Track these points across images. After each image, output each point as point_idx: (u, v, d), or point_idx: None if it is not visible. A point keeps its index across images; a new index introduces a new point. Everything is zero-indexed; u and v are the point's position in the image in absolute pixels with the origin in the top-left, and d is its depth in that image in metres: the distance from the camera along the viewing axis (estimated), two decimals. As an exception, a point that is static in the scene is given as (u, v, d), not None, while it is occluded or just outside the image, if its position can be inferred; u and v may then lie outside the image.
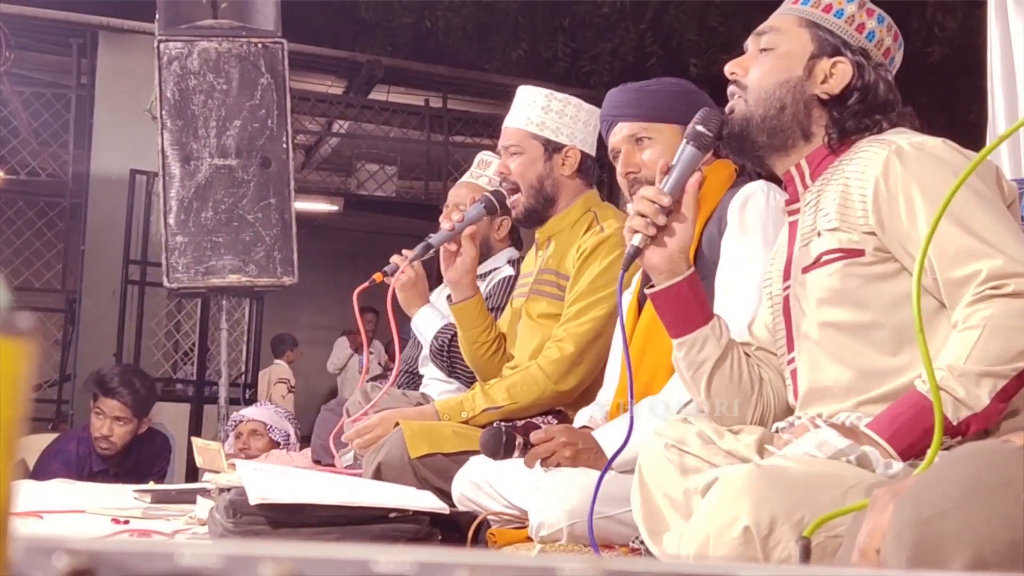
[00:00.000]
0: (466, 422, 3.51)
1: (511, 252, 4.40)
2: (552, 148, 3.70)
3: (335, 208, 12.09)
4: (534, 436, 2.91)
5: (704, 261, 2.82)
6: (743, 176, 3.06)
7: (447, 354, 4.04)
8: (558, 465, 2.87)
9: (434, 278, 4.36)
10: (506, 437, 2.87)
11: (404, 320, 4.22)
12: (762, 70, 2.39)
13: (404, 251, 4.06)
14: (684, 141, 2.40)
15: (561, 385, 3.51)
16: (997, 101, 4.67)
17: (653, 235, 2.35)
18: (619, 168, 3.14)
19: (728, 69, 2.45)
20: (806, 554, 1.57)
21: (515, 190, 3.73)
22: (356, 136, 10.95)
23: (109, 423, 5.51)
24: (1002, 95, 4.65)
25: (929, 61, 9.01)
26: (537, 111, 3.72)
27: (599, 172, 3.96)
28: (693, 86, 3.25)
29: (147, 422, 5.75)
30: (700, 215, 2.95)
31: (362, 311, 3.99)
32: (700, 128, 2.40)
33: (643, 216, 2.35)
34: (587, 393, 3.51)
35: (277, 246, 5.72)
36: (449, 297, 3.82)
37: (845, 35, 2.37)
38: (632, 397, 2.42)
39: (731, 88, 2.44)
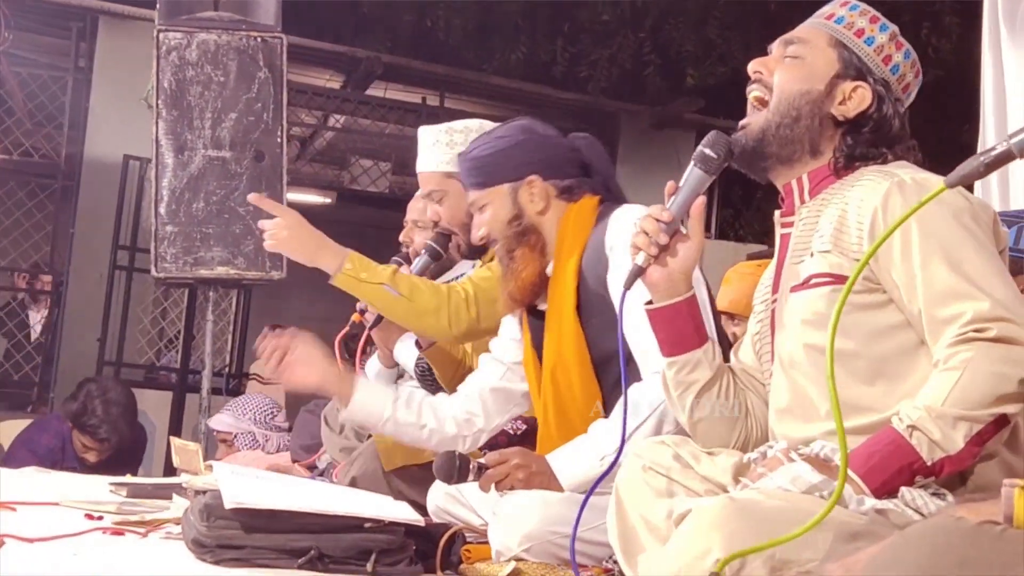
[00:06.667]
0: (361, 283, 3.46)
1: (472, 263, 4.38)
2: None
3: (328, 201, 12.07)
4: (488, 458, 2.92)
5: (589, 296, 2.89)
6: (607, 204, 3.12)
7: (431, 377, 4.06)
8: (512, 488, 2.88)
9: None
10: (459, 461, 2.89)
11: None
12: (787, 76, 2.41)
13: None
14: (692, 164, 2.41)
15: (455, 322, 3.45)
16: (988, 125, 4.70)
17: (656, 254, 2.35)
18: (472, 233, 3.28)
19: (752, 67, 2.46)
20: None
21: (454, 232, 3.77)
22: (352, 131, 10.92)
23: (94, 453, 5.50)
24: (993, 119, 4.68)
25: (923, 82, 9.00)
26: (443, 149, 3.74)
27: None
28: (524, 132, 3.24)
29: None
30: (574, 251, 3.02)
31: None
32: (707, 151, 2.40)
33: (646, 234, 2.35)
34: None
35: (267, 240, 5.71)
36: (418, 343, 3.82)
37: (871, 63, 2.39)
38: (625, 416, 2.43)
39: (752, 86, 2.45)
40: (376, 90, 10.65)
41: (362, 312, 3.95)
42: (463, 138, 3.71)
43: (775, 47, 2.48)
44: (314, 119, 10.87)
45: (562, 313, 3.00)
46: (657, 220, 2.36)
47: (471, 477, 2.90)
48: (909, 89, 2.46)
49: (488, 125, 3.79)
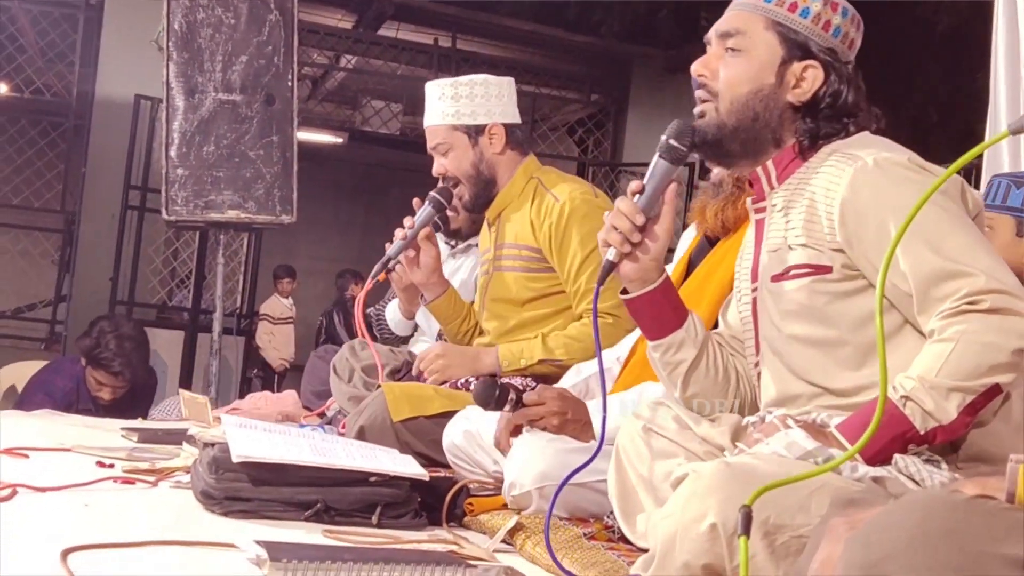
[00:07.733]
0: (523, 370, 3.59)
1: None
2: (475, 132, 3.79)
3: (339, 141, 12.08)
4: (526, 396, 2.95)
5: None
6: None
7: None
8: (544, 430, 2.91)
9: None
10: (499, 390, 2.91)
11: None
12: (733, 76, 2.36)
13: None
14: (656, 154, 2.36)
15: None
16: (999, 74, 4.69)
17: (628, 251, 2.34)
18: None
19: (695, 70, 2.40)
20: (747, 523, 1.60)
21: (457, 183, 3.82)
22: (363, 71, 10.91)
23: (108, 390, 5.53)
24: (1004, 69, 4.67)
25: (937, 30, 8.99)
26: (448, 103, 3.80)
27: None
28: None
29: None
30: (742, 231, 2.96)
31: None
32: (673, 142, 2.35)
33: (617, 231, 2.34)
34: None
35: (277, 184, 5.74)
36: (422, 296, 3.88)
37: (813, 35, 2.34)
38: (603, 387, 2.44)
39: (699, 92, 2.40)
40: (388, 30, 10.63)
41: (388, 272, 3.95)
42: (468, 91, 3.77)
43: (713, 41, 2.41)
44: (326, 59, 10.86)
45: (727, 259, 2.93)
46: (629, 219, 2.31)
47: (507, 408, 2.93)
48: (854, 44, 2.40)
49: (493, 80, 3.83)
